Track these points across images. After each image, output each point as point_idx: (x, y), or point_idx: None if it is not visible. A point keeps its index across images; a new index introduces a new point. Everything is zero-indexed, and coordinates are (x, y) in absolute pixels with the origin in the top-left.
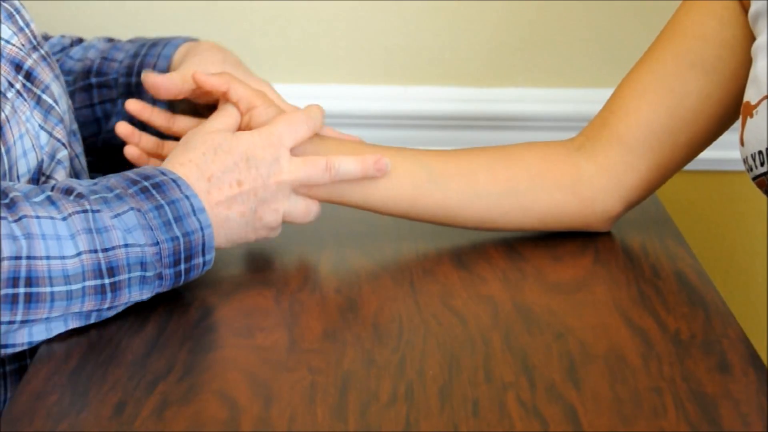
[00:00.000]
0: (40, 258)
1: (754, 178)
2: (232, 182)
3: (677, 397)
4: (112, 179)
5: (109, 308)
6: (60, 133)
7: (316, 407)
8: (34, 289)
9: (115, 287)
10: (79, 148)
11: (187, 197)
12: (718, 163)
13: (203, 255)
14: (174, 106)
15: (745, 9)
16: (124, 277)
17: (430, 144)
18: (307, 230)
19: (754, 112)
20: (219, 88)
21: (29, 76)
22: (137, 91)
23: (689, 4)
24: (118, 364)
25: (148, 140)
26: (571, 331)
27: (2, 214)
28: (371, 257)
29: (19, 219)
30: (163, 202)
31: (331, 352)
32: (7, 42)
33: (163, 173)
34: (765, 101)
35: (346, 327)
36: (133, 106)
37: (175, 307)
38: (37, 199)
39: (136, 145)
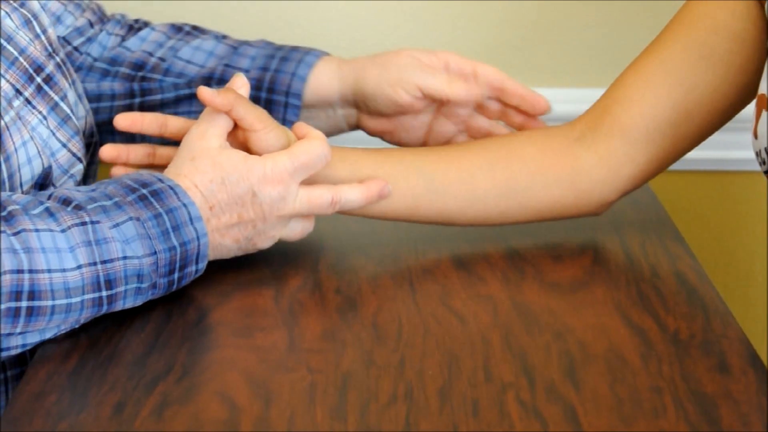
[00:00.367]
0: (42, 271)
1: (767, 172)
2: (233, 213)
3: (677, 397)
4: (110, 186)
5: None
6: (76, 146)
7: (315, 407)
8: (36, 303)
9: (111, 299)
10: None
11: (185, 205)
12: (718, 163)
13: (197, 263)
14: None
15: (762, 1)
16: (121, 289)
17: None
18: None
19: None
20: (222, 108)
21: (50, 80)
22: (267, 108)
23: None
24: (117, 364)
25: (137, 153)
26: (570, 331)
27: (1, 228)
28: (371, 257)
29: (18, 233)
30: (161, 210)
31: (331, 352)
32: (23, 50)
33: (160, 180)
34: None
35: (345, 327)
36: (122, 122)
37: (175, 307)
38: (35, 212)
39: (125, 164)
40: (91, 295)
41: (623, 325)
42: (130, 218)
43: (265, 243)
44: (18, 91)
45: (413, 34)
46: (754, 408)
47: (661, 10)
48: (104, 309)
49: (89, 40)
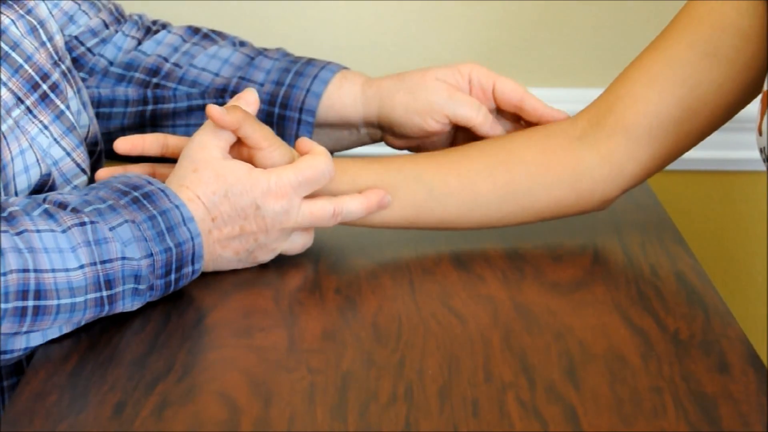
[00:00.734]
0: (46, 271)
1: None
2: (235, 226)
3: (677, 397)
4: (102, 191)
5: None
6: (80, 156)
7: (315, 407)
8: (42, 302)
9: (111, 299)
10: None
11: (176, 207)
12: (718, 163)
13: (192, 264)
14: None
15: None
16: (119, 289)
17: None
18: None
19: None
20: (230, 127)
21: (55, 88)
22: (279, 124)
23: None
24: (117, 365)
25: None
26: (570, 331)
27: (3, 229)
28: (370, 257)
29: (21, 233)
30: (155, 212)
31: (331, 352)
32: (30, 58)
33: (149, 182)
34: None
35: (345, 327)
36: (123, 146)
37: (175, 307)
38: (35, 213)
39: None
40: (93, 295)
41: (623, 325)
42: (126, 221)
43: (265, 256)
44: (19, 100)
45: (414, 34)
46: (754, 408)
47: (662, 10)
48: (105, 310)
49: (103, 41)
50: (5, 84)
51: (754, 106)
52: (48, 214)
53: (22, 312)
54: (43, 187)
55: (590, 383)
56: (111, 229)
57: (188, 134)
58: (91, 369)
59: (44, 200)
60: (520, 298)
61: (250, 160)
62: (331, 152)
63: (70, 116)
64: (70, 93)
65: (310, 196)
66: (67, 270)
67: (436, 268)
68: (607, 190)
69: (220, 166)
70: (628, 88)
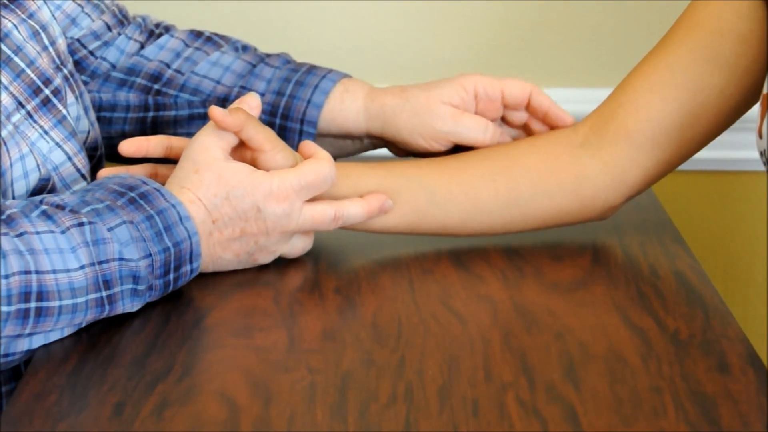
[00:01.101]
0: (47, 272)
1: None
2: (235, 228)
3: (677, 397)
4: (98, 192)
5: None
6: (81, 161)
7: (315, 407)
8: (44, 304)
9: (111, 300)
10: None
11: (173, 206)
12: (718, 163)
13: (191, 263)
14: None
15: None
16: (117, 290)
17: None
18: None
19: None
20: (232, 128)
21: (57, 93)
22: (281, 135)
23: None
24: (117, 365)
25: (136, 174)
26: (570, 331)
27: (3, 231)
28: (370, 257)
29: (20, 235)
30: (152, 212)
31: (331, 352)
32: (32, 62)
33: (144, 182)
34: None
35: (345, 327)
36: (127, 148)
37: (175, 307)
38: (33, 215)
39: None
40: (94, 295)
41: (623, 325)
42: (123, 221)
43: (265, 258)
44: (20, 104)
45: (413, 35)
46: (754, 408)
47: (663, 10)
48: (106, 310)
49: (106, 44)
50: (6, 88)
51: (755, 107)
52: (46, 216)
53: (24, 314)
54: (41, 191)
55: (590, 383)
56: (109, 229)
57: None
58: (91, 369)
59: (41, 202)
60: (519, 298)
61: (253, 163)
62: (334, 158)
63: (71, 122)
64: (71, 98)
65: (312, 200)
66: (68, 270)
67: (435, 268)
68: (610, 197)
69: (222, 168)
70: (629, 95)
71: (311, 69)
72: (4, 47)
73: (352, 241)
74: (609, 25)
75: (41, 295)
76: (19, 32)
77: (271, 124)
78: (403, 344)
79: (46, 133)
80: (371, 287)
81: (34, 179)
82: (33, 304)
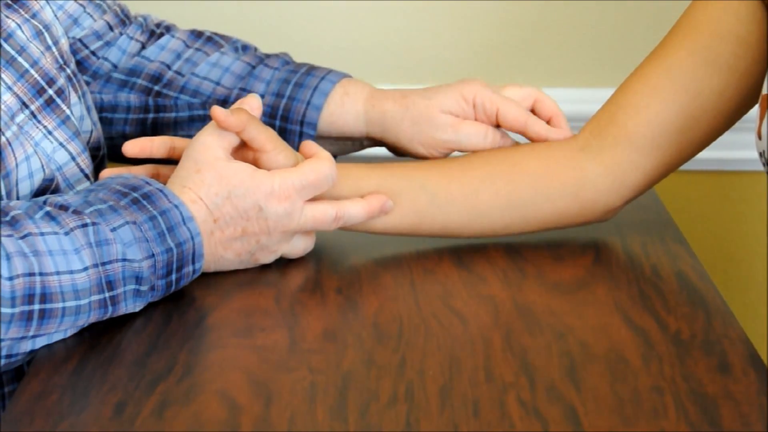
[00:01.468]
0: (51, 274)
1: None
2: (237, 227)
3: (678, 398)
4: (101, 193)
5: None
6: (85, 161)
7: (316, 407)
8: (47, 306)
9: (114, 301)
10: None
11: (176, 206)
12: (718, 163)
13: (193, 263)
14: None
15: (766, 3)
16: (120, 290)
17: None
18: None
19: None
20: (234, 128)
21: (61, 93)
22: (281, 136)
23: (705, 1)
24: (118, 364)
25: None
26: (571, 331)
27: (8, 232)
28: (371, 257)
29: (25, 236)
30: (155, 212)
31: (331, 352)
32: (36, 62)
33: (147, 183)
34: None
35: (346, 327)
36: (131, 149)
37: (175, 307)
38: (37, 216)
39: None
40: (97, 297)
41: (624, 325)
42: (126, 222)
43: (266, 258)
44: (24, 105)
45: (413, 34)
46: (754, 408)
47: (663, 11)
48: (109, 312)
49: (107, 44)
50: (10, 89)
51: (755, 108)
52: (50, 217)
53: (28, 316)
54: (45, 191)
55: (591, 383)
56: (112, 230)
57: None
58: (92, 369)
59: (45, 203)
60: (521, 298)
61: (255, 163)
62: (334, 157)
63: (75, 122)
64: (74, 98)
65: (313, 200)
66: (71, 272)
67: (437, 267)
68: (611, 200)
69: (224, 168)
70: (629, 98)
71: (310, 70)
72: (7, 47)
73: (353, 241)
74: (609, 25)
75: (45, 297)
76: (22, 32)
77: (270, 126)
78: (404, 344)
79: (50, 133)
80: (372, 287)
81: (38, 179)
82: (36, 306)
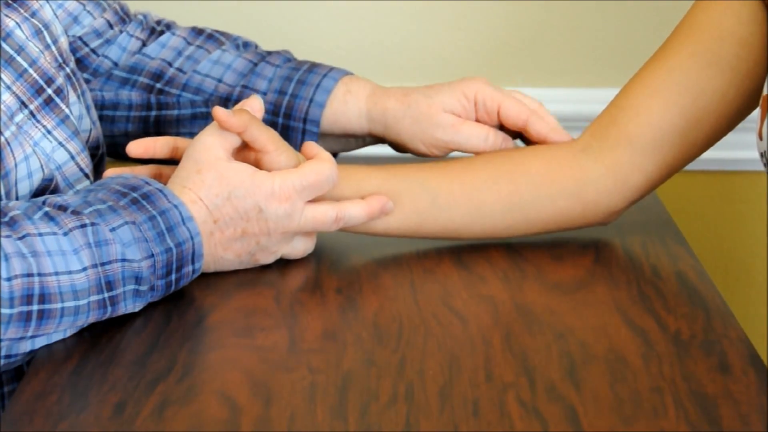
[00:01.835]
0: (49, 274)
1: None
2: (237, 228)
3: (677, 398)
4: (100, 193)
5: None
6: (84, 160)
7: (316, 407)
8: (46, 306)
9: (113, 301)
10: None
11: (175, 206)
12: (718, 163)
13: (193, 263)
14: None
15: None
16: (120, 291)
17: None
18: None
19: None
20: (236, 129)
21: (60, 92)
22: (284, 134)
23: (706, 3)
24: (118, 364)
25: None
26: (571, 331)
27: (6, 233)
28: (371, 257)
29: (23, 237)
30: (154, 212)
31: (331, 352)
32: (35, 61)
33: (147, 183)
34: None
35: (346, 327)
36: (135, 150)
37: (175, 307)
38: (36, 216)
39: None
40: (96, 297)
41: (624, 325)
42: (126, 222)
43: (266, 259)
44: (23, 104)
45: (413, 34)
46: (754, 408)
47: (663, 10)
48: (108, 312)
49: (108, 42)
50: (9, 88)
51: (755, 108)
52: (49, 217)
53: (27, 316)
54: (44, 191)
55: (591, 383)
56: (112, 230)
57: None
58: (92, 369)
59: (44, 203)
60: (520, 298)
61: (256, 164)
62: (336, 154)
63: (74, 121)
64: (73, 97)
65: (313, 201)
66: (70, 272)
67: (437, 268)
68: (612, 201)
69: (224, 168)
70: (630, 100)
71: (312, 67)
72: (6, 46)
73: (353, 241)
74: (609, 25)
75: (43, 298)
76: (21, 31)
77: (273, 124)
78: (404, 344)
79: (49, 132)
80: (372, 287)
81: (37, 179)
82: (35, 307)
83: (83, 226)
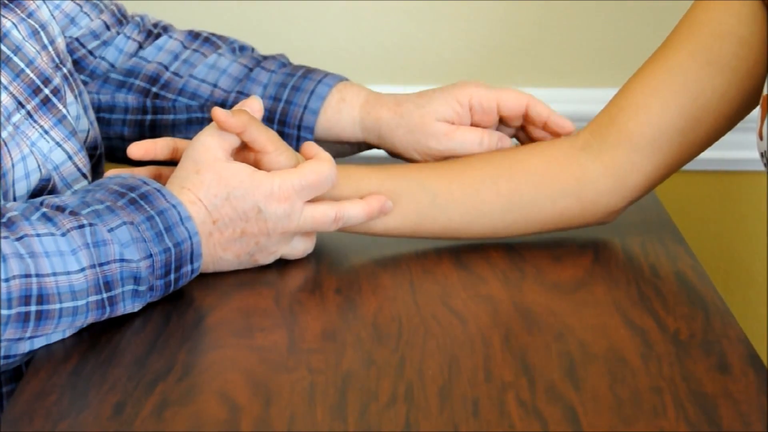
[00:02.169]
0: (47, 275)
1: None
2: (236, 228)
3: (677, 397)
4: (98, 193)
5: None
6: (82, 160)
7: (315, 407)
8: (44, 307)
9: (112, 301)
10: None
11: (174, 206)
12: (718, 163)
13: (191, 263)
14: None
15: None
16: (118, 291)
17: None
18: None
19: None
20: (235, 130)
21: (57, 92)
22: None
23: (706, 2)
24: (117, 364)
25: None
26: (570, 331)
27: (4, 234)
28: (370, 257)
29: (21, 238)
30: (152, 212)
31: (331, 352)
32: (31, 62)
33: (145, 183)
34: None
35: (345, 327)
36: (136, 152)
37: (175, 307)
38: (33, 217)
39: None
40: (94, 298)
41: (623, 325)
42: (124, 222)
43: (266, 259)
44: (20, 104)
45: (413, 34)
46: (754, 408)
47: (663, 11)
48: (107, 312)
49: (104, 43)
50: (6, 88)
51: (755, 108)
52: (46, 218)
53: (25, 317)
54: (42, 191)
55: (590, 383)
56: (110, 230)
57: None
58: (92, 369)
59: (42, 204)
60: (520, 298)
61: (256, 164)
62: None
63: (71, 121)
64: (70, 97)
65: (313, 201)
66: (68, 273)
67: (436, 268)
68: (612, 200)
69: (223, 169)
70: (629, 99)
71: (307, 73)
72: (3, 47)
73: (352, 241)
74: (609, 25)
75: (41, 298)
76: (18, 31)
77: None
78: (404, 344)
79: (47, 132)
80: (372, 287)
81: (35, 180)
82: (33, 308)
83: (81, 226)
